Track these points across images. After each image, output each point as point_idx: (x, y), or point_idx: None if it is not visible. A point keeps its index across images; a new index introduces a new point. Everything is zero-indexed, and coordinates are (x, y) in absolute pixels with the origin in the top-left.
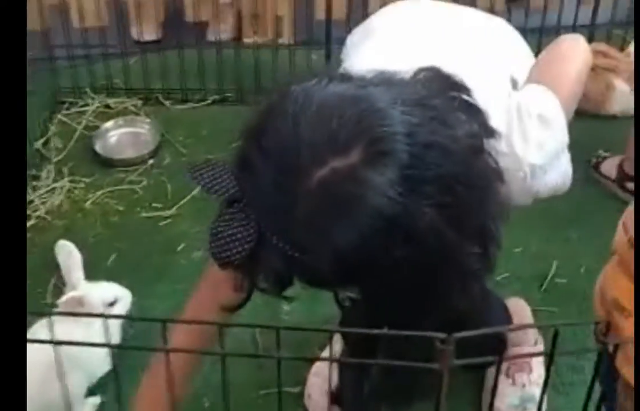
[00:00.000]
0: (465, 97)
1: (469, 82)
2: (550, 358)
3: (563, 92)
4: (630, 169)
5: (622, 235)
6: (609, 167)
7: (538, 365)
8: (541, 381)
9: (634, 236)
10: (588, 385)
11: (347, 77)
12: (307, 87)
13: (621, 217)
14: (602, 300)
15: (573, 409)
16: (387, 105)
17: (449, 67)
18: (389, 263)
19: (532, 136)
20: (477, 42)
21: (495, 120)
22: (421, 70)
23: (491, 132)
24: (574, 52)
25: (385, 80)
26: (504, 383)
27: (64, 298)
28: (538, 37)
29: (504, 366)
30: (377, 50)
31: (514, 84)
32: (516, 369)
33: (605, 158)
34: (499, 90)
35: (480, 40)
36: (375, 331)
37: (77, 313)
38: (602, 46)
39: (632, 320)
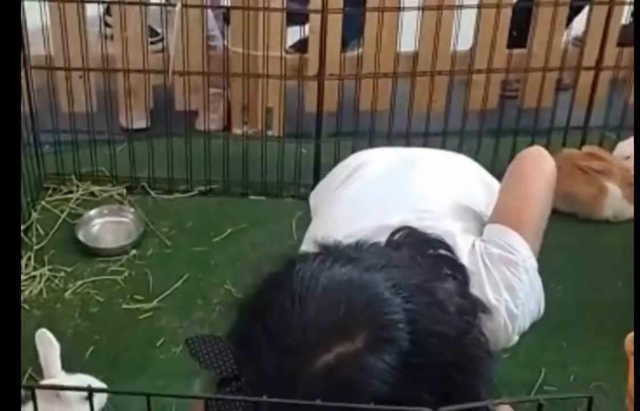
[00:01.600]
0: (445, 253)
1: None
2: None
3: (526, 221)
4: None
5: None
6: None
7: None
8: None
9: None
10: None
11: (350, 258)
12: (312, 267)
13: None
14: None
15: None
16: (390, 293)
17: (421, 219)
18: None
19: (501, 282)
20: (442, 187)
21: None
22: (397, 231)
23: (482, 306)
24: (536, 171)
25: (386, 262)
26: None
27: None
28: (530, 138)
29: None
30: (346, 208)
31: (480, 220)
32: None
33: None
34: (464, 241)
35: (446, 184)
36: (358, 405)
37: (57, 385)
38: (595, 149)
39: None
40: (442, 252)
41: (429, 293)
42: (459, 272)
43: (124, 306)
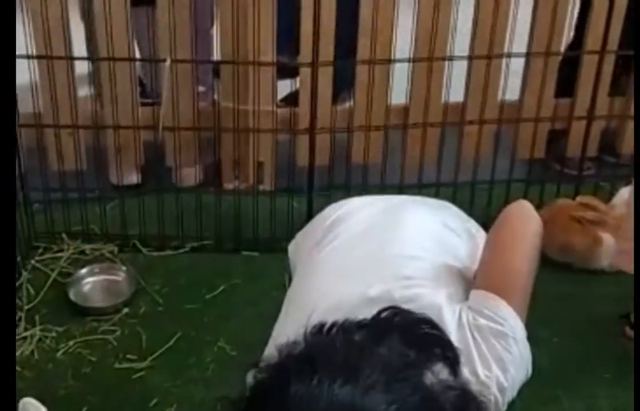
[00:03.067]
0: (434, 332)
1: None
2: None
3: (513, 288)
4: None
5: None
6: None
7: None
8: None
9: None
10: None
11: (348, 373)
12: (309, 389)
13: None
14: None
15: None
16: None
17: (405, 288)
18: None
19: (491, 356)
20: (424, 244)
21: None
22: (383, 310)
23: (476, 404)
24: (522, 232)
25: (387, 377)
26: None
27: None
28: (524, 187)
29: None
30: (327, 274)
31: (465, 278)
32: None
33: None
34: (451, 312)
35: (428, 241)
36: None
37: None
38: (589, 199)
39: None
40: (431, 331)
41: (429, 408)
42: (449, 351)
43: (117, 366)
